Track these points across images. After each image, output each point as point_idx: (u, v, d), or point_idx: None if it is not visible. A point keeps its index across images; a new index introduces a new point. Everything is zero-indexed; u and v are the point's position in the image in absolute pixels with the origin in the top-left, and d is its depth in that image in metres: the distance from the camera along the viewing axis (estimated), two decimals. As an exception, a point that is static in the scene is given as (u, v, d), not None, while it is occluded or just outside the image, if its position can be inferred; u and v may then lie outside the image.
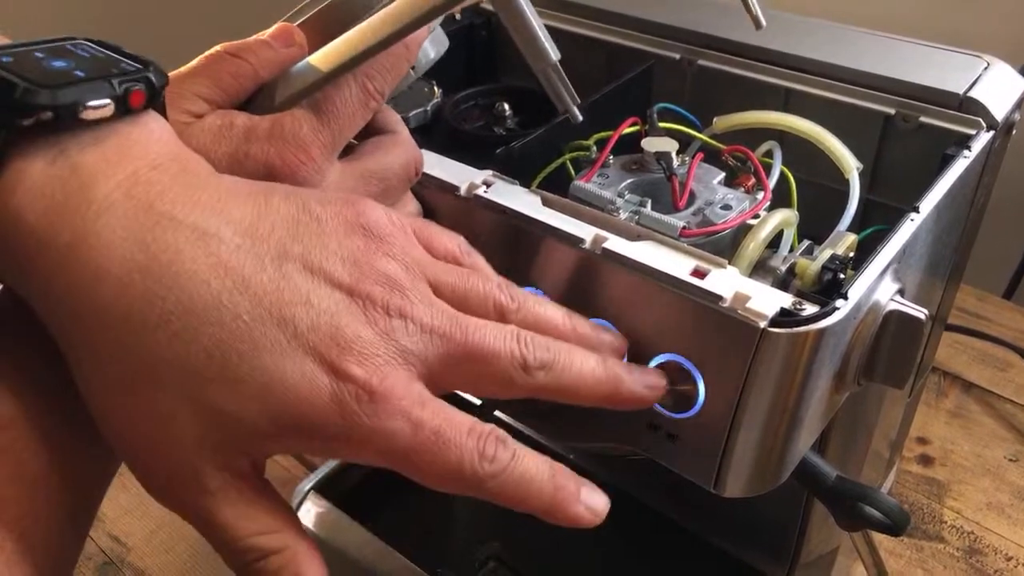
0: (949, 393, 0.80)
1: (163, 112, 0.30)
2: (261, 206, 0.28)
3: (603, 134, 0.46)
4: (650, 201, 0.41)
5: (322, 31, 0.36)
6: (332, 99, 0.33)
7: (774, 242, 0.40)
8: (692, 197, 0.42)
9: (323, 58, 0.34)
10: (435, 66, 0.42)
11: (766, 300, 0.32)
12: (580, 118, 0.38)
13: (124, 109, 0.27)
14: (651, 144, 0.44)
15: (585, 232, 0.36)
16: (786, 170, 0.45)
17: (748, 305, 0.32)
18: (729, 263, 0.34)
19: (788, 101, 0.49)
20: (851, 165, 0.44)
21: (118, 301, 0.25)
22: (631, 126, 0.46)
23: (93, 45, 0.29)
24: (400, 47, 0.35)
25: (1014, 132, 0.47)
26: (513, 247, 0.38)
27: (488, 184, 0.39)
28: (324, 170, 0.33)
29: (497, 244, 0.38)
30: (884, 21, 0.97)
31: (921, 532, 0.67)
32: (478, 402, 0.43)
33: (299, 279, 0.27)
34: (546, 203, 0.38)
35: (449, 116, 0.49)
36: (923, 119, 0.46)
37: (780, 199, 0.43)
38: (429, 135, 0.47)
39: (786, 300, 0.32)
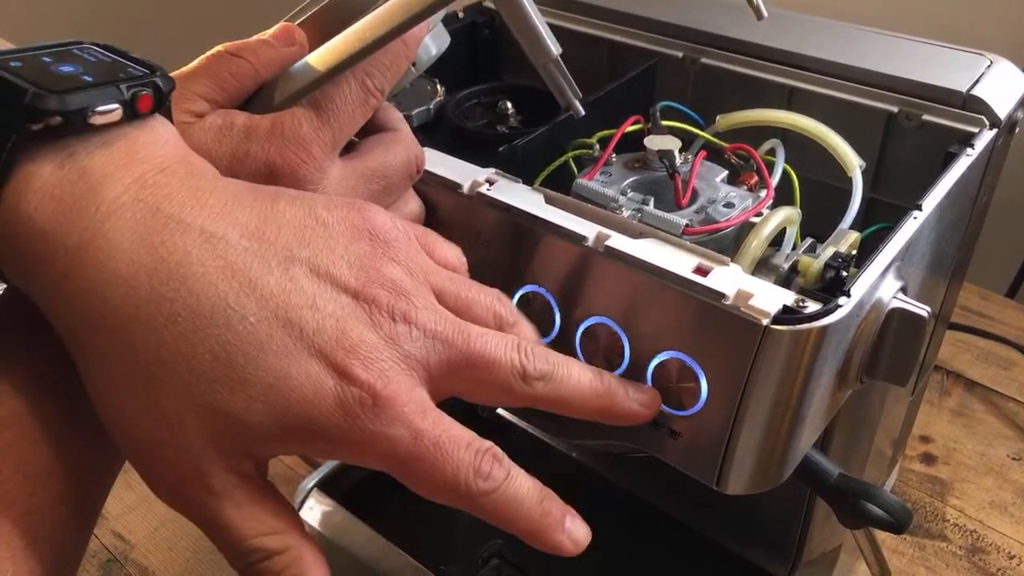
0: (952, 392, 0.80)
1: (169, 116, 0.30)
2: (267, 210, 0.29)
3: (606, 132, 0.46)
4: (653, 199, 0.41)
5: (322, 30, 0.36)
6: (332, 97, 0.33)
7: (777, 240, 0.40)
8: (695, 195, 0.42)
9: (323, 56, 0.34)
10: (438, 64, 0.42)
11: (769, 298, 0.32)
12: (582, 112, 0.38)
13: (132, 113, 0.28)
14: (654, 142, 0.44)
15: (588, 230, 0.36)
16: (789, 168, 0.45)
17: (751, 303, 0.32)
18: (732, 261, 0.34)
19: (791, 99, 0.49)
20: (854, 163, 0.44)
21: (126, 302, 0.26)
22: (634, 124, 0.46)
23: (99, 49, 0.30)
24: (399, 44, 0.35)
25: (1017, 130, 0.47)
26: (516, 245, 0.38)
27: (491, 182, 0.39)
28: (325, 168, 0.33)
29: (500, 242, 0.38)
30: (887, 19, 0.97)
31: (924, 530, 0.67)
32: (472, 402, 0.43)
33: (305, 282, 0.28)
34: (549, 201, 0.38)
35: (452, 114, 0.49)
36: (926, 117, 0.46)
37: (783, 197, 0.43)
38: (432, 133, 0.47)
39: (789, 298, 0.32)
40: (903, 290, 0.36)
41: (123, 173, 0.27)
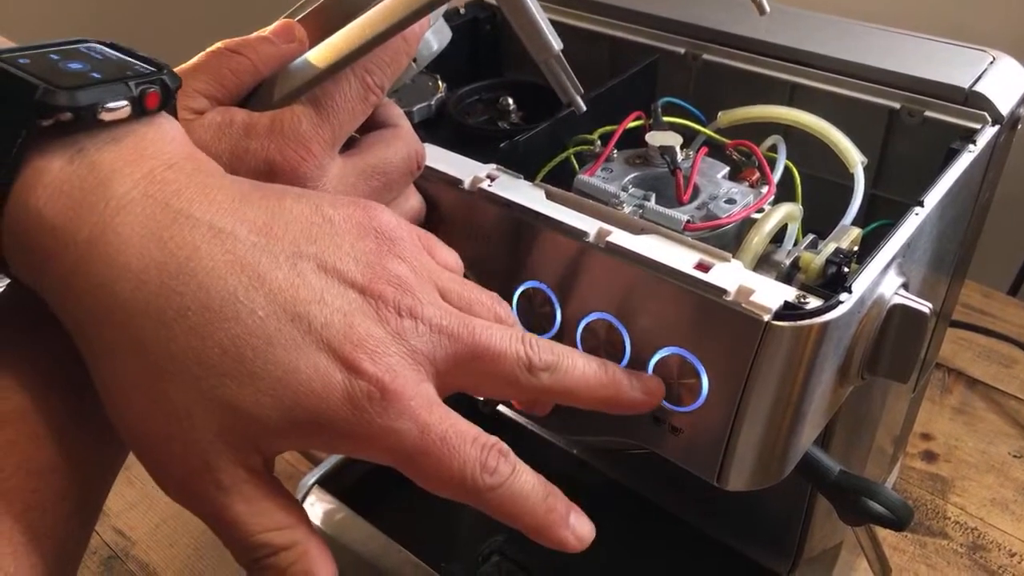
0: (953, 389, 0.79)
1: (174, 114, 0.30)
2: (274, 207, 0.29)
3: (607, 128, 0.46)
4: (654, 195, 0.41)
5: (322, 26, 0.36)
6: (332, 94, 0.33)
7: (778, 236, 0.40)
8: (696, 191, 0.42)
9: (323, 53, 0.34)
10: (439, 60, 0.42)
11: (770, 293, 0.32)
12: (584, 108, 0.38)
13: (140, 111, 0.28)
14: (655, 138, 0.44)
15: (589, 226, 0.36)
16: (790, 164, 0.45)
17: (752, 298, 0.32)
18: (733, 257, 0.34)
19: (793, 95, 0.49)
20: (856, 159, 0.44)
21: (135, 296, 0.26)
22: (635, 120, 0.46)
23: (106, 47, 0.30)
24: (399, 41, 0.35)
25: (1020, 127, 0.47)
26: (517, 241, 0.38)
27: (492, 178, 0.39)
28: (325, 165, 0.33)
29: (501, 238, 0.38)
30: (890, 15, 0.97)
31: (924, 528, 0.67)
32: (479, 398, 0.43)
33: (313, 278, 0.28)
34: (550, 197, 0.38)
35: (453, 110, 0.49)
36: (928, 113, 0.45)
37: (784, 193, 0.43)
38: (433, 129, 0.47)
39: (790, 293, 0.32)
40: (905, 286, 0.36)
41: (132, 169, 0.27)
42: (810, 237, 0.39)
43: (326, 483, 0.63)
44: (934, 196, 0.39)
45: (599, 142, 0.46)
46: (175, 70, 0.33)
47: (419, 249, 0.32)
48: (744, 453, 0.34)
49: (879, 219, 0.46)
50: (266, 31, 0.35)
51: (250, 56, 0.34)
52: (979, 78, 0.45)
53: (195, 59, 0.34)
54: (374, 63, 0.34)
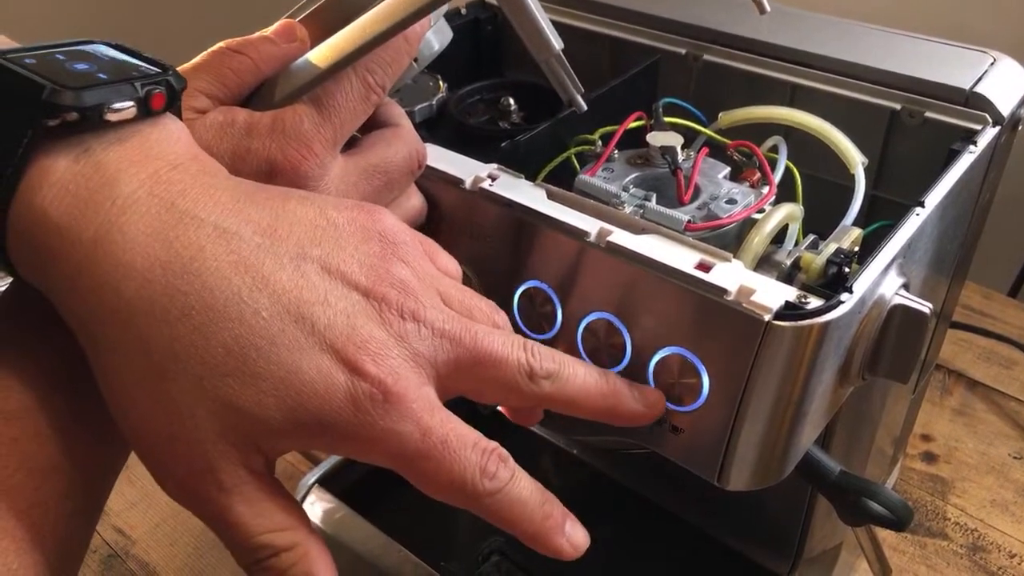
0: (954, 391, 0.79)
1: (179, 115, 0.30)
2: (279, 209, 0.29)
3: (608, 128, 0.46)
4: (655, 195, 0.41)
5: (324, 26, 0.36)
6: (333, 94, 0.34)
7: (779, 237, 0.40)
8: (697, 191, 0.42)
9: (324, 53, 0.34)
10: (440, 61, 0.42)
11: (771, 293, 0.32)
12: (585, 107, 0.38)
13: (145, 111, 0.28)
14: (656, 138, 0.44)
15: (590, 225, 0.36)
16: (791, 165, 0.45)
17: (753, 298, 0.32)
18: (734, 257, 0.34)
19: (794, 96, 0.49)
20: (856, 160, 0.44)
21: (140, 295, 0.26)
22: (636, 120, 0.46)
23: (111, 48, 0.30)
24: (400, 40, 0.35)
25: (1020, 128, 0.47)
26: (518, 240, 0.38)
27: (493, 178, 0.39)
28: (326, 165, 0.33)
29: (502, 237, 0.39)
30: (891, 16, 0.97)
31: (924, 529, 0.67)
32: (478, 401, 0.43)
33: (317, 279, 0.28)
34: (551, 196, 0.38)
35: (454, 110, 0.49)
36: (929, 114, 0.45)
37: (785, 194, 0.43)
38: (434, 129, 0.47)
39: (791, 293, 0.32)
40: (905, 287, 0.36)
41: (137, 169, 0.27)
42: (811, 237, 0.39)
43: (326, 483, 0.63)
44: (935, 197, 0.39)
45: (600, 142, 0.46)
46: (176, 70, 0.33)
47: (422, 254, 0.32)
48: (745, 453, 0.34)
49: (880, 220, 0.46)
50: (268, 31, 0.36)
51: (252, 56, 0.34)
52: (980, 79, 0.45)
53: (197, 59, 0.34)
54: (375, 63, 0.35)
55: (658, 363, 0.35)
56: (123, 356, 0.26)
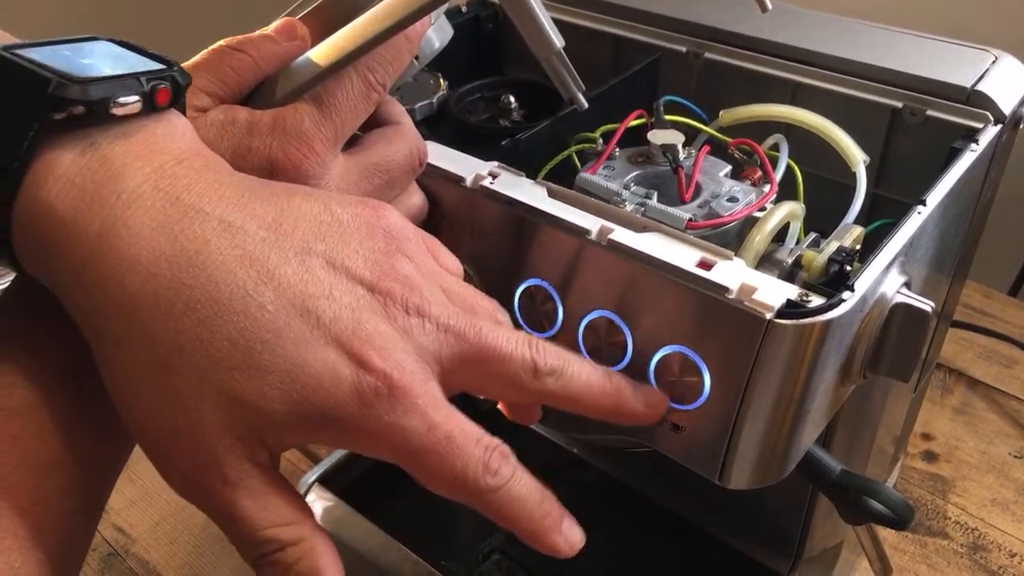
0: (954, 390, 0.79)
1: (183, 111, 0.30)
2: (283, 204, 0.29)
3: (609, 126, 0.46)
4: (656, 193, 0.41)
5: (324, 24, 0.36)
6: (334, 92, 0.33)
7: (780, 235, 0.40)
8: (698, 189, 0.42)
9: (324, 51, 0.34)
10: (441, 59, 0.42)
11: (772, 292, 0.32)
12: (586, 105, 0.38)
13: (151, 106, 0.28)
14: (657, 136, 0.44)
15: (591, 224, 0.36)
16: (792, 163, 0.45)
17: (754, 296, 0.32)
18: (735, 255, 0.34)
19: (795, 94, 0.49)
20: (858, 158, 0.44)
21: (145, 288, 0.26)
22: (637, 119, 0.46)
23: (116, 45, 0.30)
24: (401, 39, 0.35)
25: (1021, 126, 0.47)
26: (519, 239, 0.38)
27: (494, 175, 0.39)
28: (327, 163, 0.33)
29: (503, 236, 0.38)
30: (892, 15, 0.97)
31: (925, 528, 0.67)
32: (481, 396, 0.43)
33: (322, 273, 0.28)
34: (552, 194, 0.38)
35: (455, 108, 0.49)
36: (930, 113, 0.45)
37: (786, 192, 0.43)
38: (435, 127, 0.47)
39: (792, 292, 0.32)
40: (907, 285, 0.36)
41: (142, 163, 0.27)
42: (812, 236, 0.39)
43: (326, 481, 0.63)
44: (936, 195, 0.39)
45: (601, 140, 0.46)
46: None
47: (425, 251, 0.32)
48: (746, 451, 0.34)
49: (881, 218, 0.46)
50: (268, 29, 0.36)
51: (252, 54, 0.34)
52: (981, 77, 0.45)
53: (197, 57, 0.34)
54: (376, 61, 0.34)
55: (659, 361, 0.35)
56: (128, 350, 0.26)
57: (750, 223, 0.40)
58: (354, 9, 0.35)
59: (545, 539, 0.30)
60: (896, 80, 0.46)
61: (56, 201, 0.26)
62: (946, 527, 0.67)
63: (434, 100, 0.47)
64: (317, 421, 0.27)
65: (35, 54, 0.27)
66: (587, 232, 0.36)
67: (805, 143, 0.45)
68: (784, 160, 0.45)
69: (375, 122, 0.37)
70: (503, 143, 0.43)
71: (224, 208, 0.27)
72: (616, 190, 0.41)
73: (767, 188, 0.42)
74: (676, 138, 0.44)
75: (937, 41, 0.49)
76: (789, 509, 0.51)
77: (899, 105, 0.46)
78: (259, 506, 0.27)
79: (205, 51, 0.34)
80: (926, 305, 0.35)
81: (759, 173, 0.43)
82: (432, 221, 0.40)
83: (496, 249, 0.39)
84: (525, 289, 0.38)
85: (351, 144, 0.35)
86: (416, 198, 0.39)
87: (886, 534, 0.64)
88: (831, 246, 0.36)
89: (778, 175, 0.44)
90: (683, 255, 0.34)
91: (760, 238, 0.38)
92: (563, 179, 0.42)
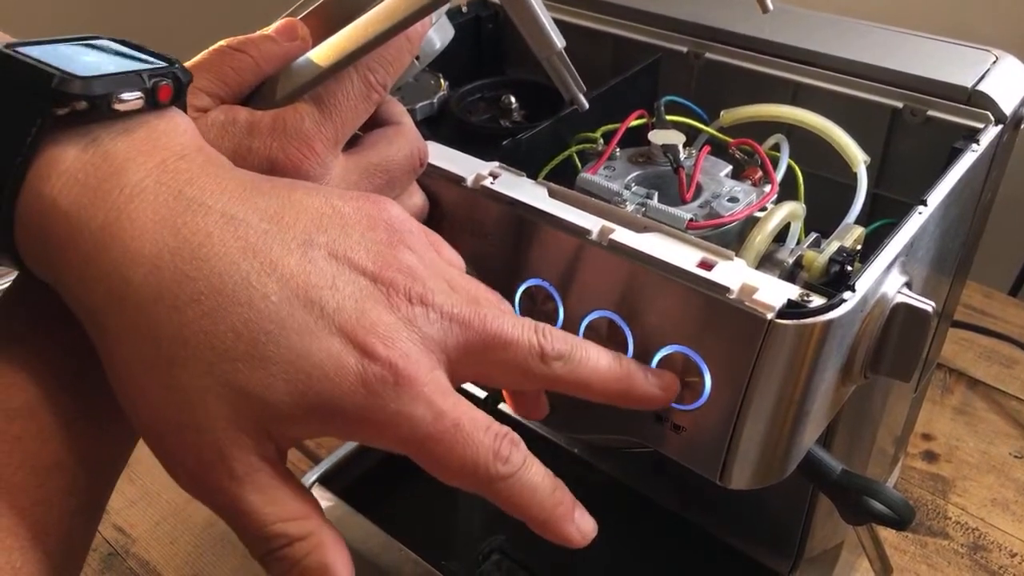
0: (954, 390, 0.79)
1: (184, 109, 0.30)
2: (285, 198, 0.29)
3: (610, 127, 0.46)
4: (657, 193, 0.41)
5: (325, 24, 0.36)
6: (334, 93, 0.33)
7: (781, 235, 0.40)
8: (699, 190, 0.42)
9: (325, 52, 0.34)
10: (442, 59, 0.42)
11: (773, 292, 0.32)
12: (586, 105, 0.38)
13: (153, 102, 0.28)
14: (658, 136, 0.44)
15: (592, 224, 0.36)
16: (793, 163, 0.45)
17: (755, 297, 0.32)
18: (736, 255, 0.34)
19: (796, 95, 0.49)
20: (859, 158, 0.44)
21: (149, 282, 0.26)
22: (638, 119, 0.46)
23: (117, 43, 0.30)
24: (402, 39, 0.35)
25: (1022, 126, 0.47)
26: (519, 239, 0.38)
27: (495, 176, 0.39)
28: (327, 164, 0.33)
29: (503, 236, 0.38)
30: (893, 15, 0.97)
31: (925, 528, 0.67)
32: (483, 394, 0.43)
33: (324, 264, 0.28)
34: (553, 194, 0.38)
35: (456, 109, 0.49)
36: (931, 113, 0.45)
37: (787, 192, 0.43)
38: (436, 127, 0.47)
39: (793, 292, 0.32)
40: (908, 285, 0.36)
41: (145, 158, 0.27)
42: (813, 236, 0.39)
43: (327, 481, 0.63)
44: (937, 195, 0.39)
45: (602, 140, 0.46)
46: None
47: (427, 244, 0.32)
48: (746, 452, 0.34)
49: (882, 218, 0.46)
50: (269, 29, 0.36)
51: (253, 54, 0.34)
52: (982, 78, 0.45)
53: (198, 57, 0.34)
54: (377, 61, 0.34)
55: (660, 361, 0.35)
56: (132, 344, 0.26)
57: (751, 223, 0.40)
58: (355, 9, 0.35)
59: (557, 528, 0.30)
60: (897, 80, 0.46)
61: (59, 197, 0.26)
62: (946, 527, 0.67)
63: (435, 100, 0.47)
64: (322, 412, 0.27)
65: (36, 51, 0.27)
66: (588, 232, 0.36)
67: (806, 143, 0.45)
68: (785, 160, 0.45)
69: (376, 122, 0.37)
70: (504, 143, 0.43)
71: (226, 202, 0.27)
72: (617, 190, 0.41)
73: (768, 188, 0.42)
74: (677, 138, 0.44)
75: (938, 41, 0.49)
76: (790, 509, 0.51)
77: (900, 105, 0.46)
78: (266, 501, 0.27)
79: (206, 51, 0.34)
80: (927, 305, 0.35)
81: (760, 173, 0.43)
82: (433, 221, 0.40)
83: (497, 249, 0.39)
84: (526, 289, 0.38)
85: (352, 144, 0.35)
86: (417, 198, 0.39)
87: (886, 534, 0.64)
88: (832, 246, 0.36)
89: (779, 175, 0.44)
90: (684, 255, 0.34)
91: (761, 238, 0.38)
92: (564, 179, 0.42)
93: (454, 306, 0.29)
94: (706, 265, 0.33)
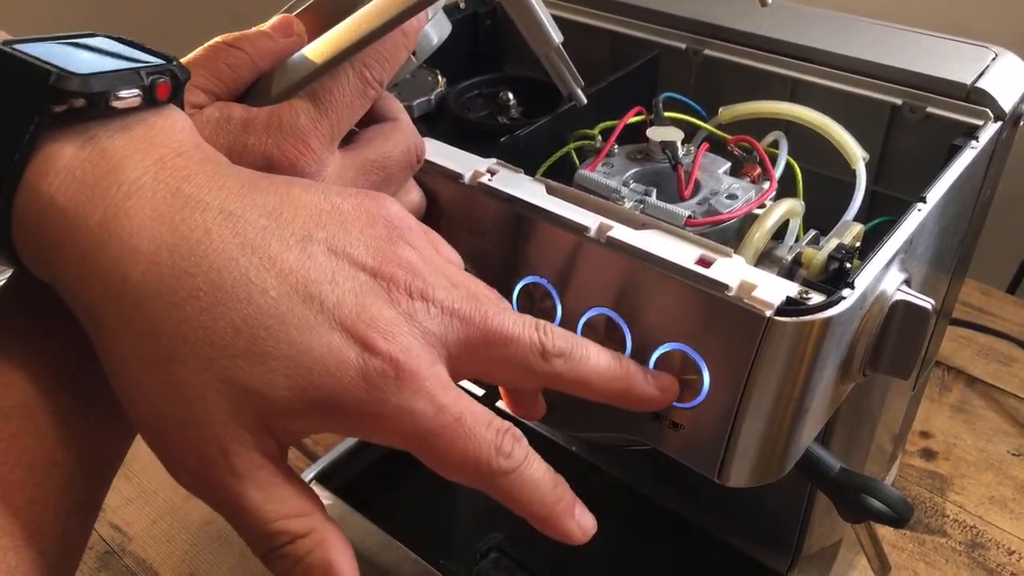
0: (952, 387, 0.79)
1: (182, 106, 0.30)
2: (283, 195, 0.29)
3: (608, 123, 0.46)
4: (655, 190, 0.41)
5: (321, 20, 0.36)
6: (330, 89, 0.33)
7: (780, 232, 0.40)
8: (697, 186, 0.42)
9: (321, 48, 0.34)
10: (439, 55, 0.42)
11: (772, 289, 0.32)
12: (584, 101, 0.38)
13: (150, 100, 0.28)
14: (656, 133, 0.44)
15: (590, 220, 0.36)
16: (792, 160, 0.44)
17: (754, 294, 0.32)
18: (735, 252, 0.34)
19: (794, 91, 0.49)
20: (858, 155, 0.44)
21: (147, 278, 0.26)
22: (636, 115, 0.46)
23: (114, 41, 0.30)
24: (398, 34, 0.34)
25: (1022, 123, 0.47)
26: (517, 235, 0.38)
27: (492, 172, 0.39)
28: (323, 160, 0.33)
29: (501, 232, 0.38)
30: (892, 12, 0.97)
31: (923, 526, 0.67)
32: (480, 392, 0.43)
33: (323, 259, 0.28)
34: (551, 191, 0.38)
35: (453, 105, 0.49)
36: (930, 110, 0.45)
37: (786, 189, 0.43)
38: (433, 124, 0.47)
39: (792, 289, 0.32)
40: (907, 283, 0.36)
41: (143, 155, 0.27)
42: (812, 233, 0.39)
43: (324, 479, 0.63)
44: (936, 192, 0.39)
45: (600, 137, 0.46)
46: None
47: (426, 241, 0.32)
48: (745, 449, 0.34)
49: (881, 216, 0.45)
50: (264, 26, 0.35)
51: (248, 51, 0.34)
52: (981, 74, 0.45)
53: (193, 54, 0.34)
54: (373, 57, 0.34)
55: (659, 359, 0.35)
56: (130, 341, 0.26)
57: (749, 220, 0.39)
58: (350, 5, 0.35)
59: (558, 524, 0.29)
60: (896, 77, 0.46)
61: (57, 194, 0.26)
62: (944, 525, 0.67)
63: (432, 97, 0.47)
64: (323, 406, 0.27)
65: (34, 49, 0.27)
66: (586, 229, 0.35)
67: (805, 140, 0.45)
68: (783, 157, 0.44)
69: (372, 118, 0.37)
70: (502, 140, 0.43)
71: (224, 198, 0.27)
72: (615, 187, 0.41)
73: (766, 185, 0.42)
74: (675, 135, 0.43)
75: (937, 38, 0.49)
76: (788, 507, 0.51)
77: (899, 102, 0.46)
78: (268, 497, 0.27)
79: (201, 48, 0.34)
80: (926, 302, 0.35)
81: (758, 170, 0.43)
82: (430, 218, 0.40)
83: (495, 246, 0.39)
84: (524, 286, 0.38)
85: (348, 140, 0.35)
86: (414, 195, 0.39)
87: (885, 532, 0.64)
88: (831, 243, 0.36)
89: (777, 172, 0.43)
90: (682, 252, 0.34)
91: (759, 235, 0.38)
92: (562, 176, 0.42)
93: (455, 301, 0.29)
94: (704, 262, 0.33)
